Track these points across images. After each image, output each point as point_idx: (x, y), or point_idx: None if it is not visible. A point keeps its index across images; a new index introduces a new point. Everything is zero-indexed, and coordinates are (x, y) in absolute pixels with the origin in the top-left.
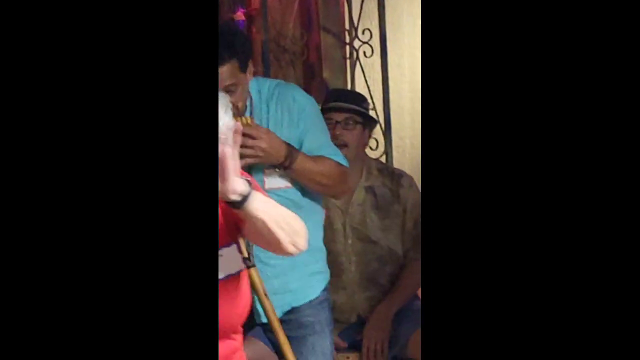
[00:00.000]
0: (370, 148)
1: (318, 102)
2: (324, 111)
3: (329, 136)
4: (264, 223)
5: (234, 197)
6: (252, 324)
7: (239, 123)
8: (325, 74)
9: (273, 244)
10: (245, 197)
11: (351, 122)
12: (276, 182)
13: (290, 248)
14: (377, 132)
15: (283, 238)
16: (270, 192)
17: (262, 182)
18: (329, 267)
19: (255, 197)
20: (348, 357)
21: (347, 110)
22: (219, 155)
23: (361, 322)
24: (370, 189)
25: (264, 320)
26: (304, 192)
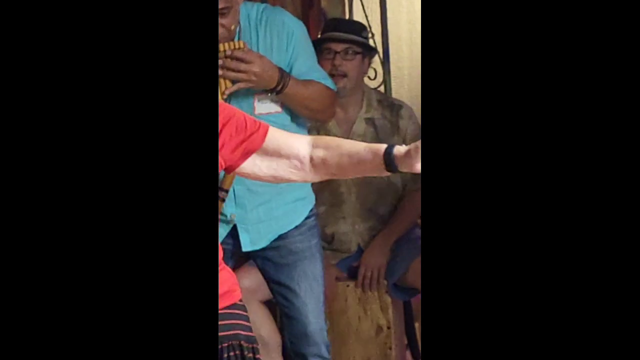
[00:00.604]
0: (369, 77)
1: (316, 32)
2: (322, 41)
3: (316, 60)
4: None
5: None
6: (246, 256)
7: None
8: (324, 3)
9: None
10: None
11: (350, 52)
12: (267, 107)
13: None
14: (376, 62)
15: None
16: (260, 118)
17: (253, 108)
18: (330, 197)
19: None
20: (348, 285)
21: (346, 40)
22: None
23: (361, 252)
24: (370, 121)
25: (249, 248)
26: (293, 117)
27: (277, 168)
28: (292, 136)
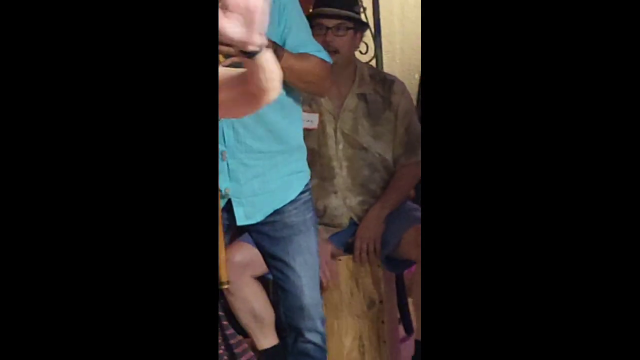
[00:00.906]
0: (360, 52)
1: (308, 8)
2: (314, 17)
3: (310, 32)
4: (264, 74)
5: (253, 48)
6: (241, 230)
7: None
8: None
9: (259, 96)
10: (261, 49)
11: (342, 27)
12: None
13: (273, 96)
14: (367, 36)
15: (273, 88)
16: None
17: None
18: (321, 171)
19: (267, 51)
20: (340, 259)
21: (338, 16)
22: (249, 6)
23: (354, 226)
24: (362, 96)
25: (243, 222)
26: (287, 90)
27: (229, 103)
28: (228, 70)
